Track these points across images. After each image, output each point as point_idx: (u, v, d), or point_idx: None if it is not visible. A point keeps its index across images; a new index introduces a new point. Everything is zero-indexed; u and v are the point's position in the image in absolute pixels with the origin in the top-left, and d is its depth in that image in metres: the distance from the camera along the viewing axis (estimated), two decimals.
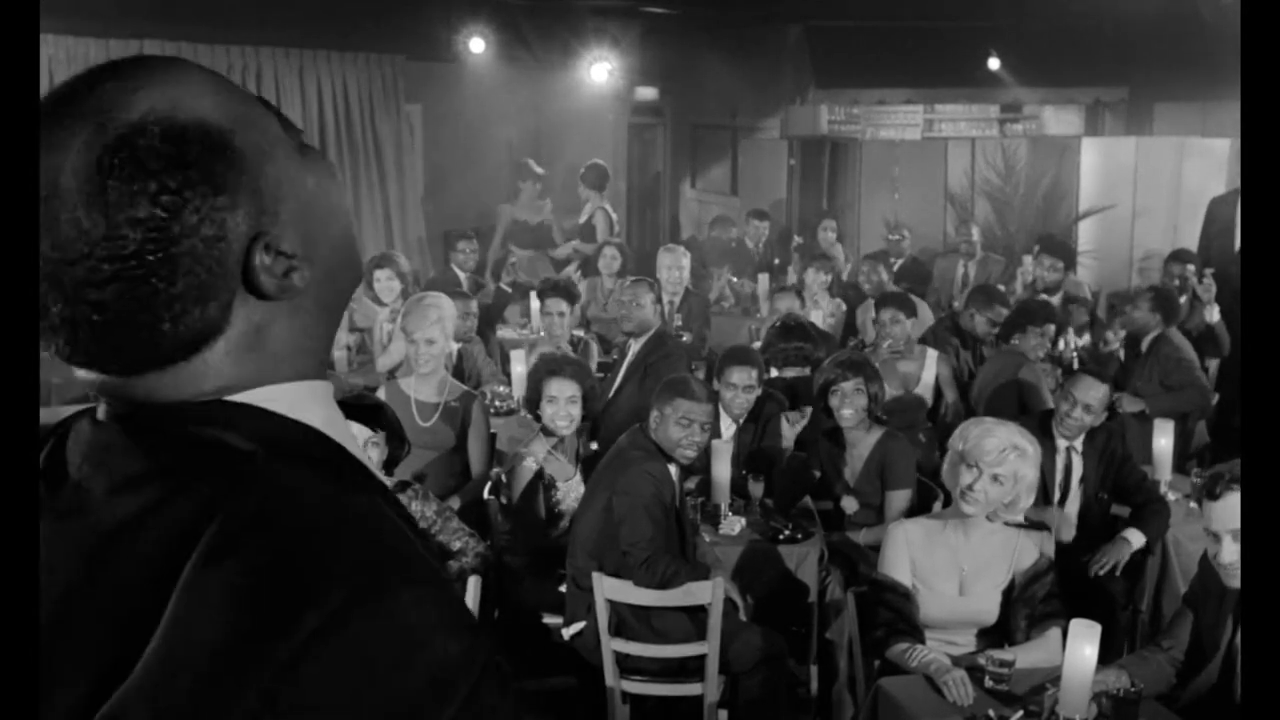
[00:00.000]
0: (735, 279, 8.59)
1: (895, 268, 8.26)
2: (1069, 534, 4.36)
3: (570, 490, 4.33)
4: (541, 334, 6.44)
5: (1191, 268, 6.81)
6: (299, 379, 0.87)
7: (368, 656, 0.72)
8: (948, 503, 3.70)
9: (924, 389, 5.79)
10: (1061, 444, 4.47)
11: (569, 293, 6.47)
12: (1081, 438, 4.46)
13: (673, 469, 3.94)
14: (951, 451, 3.41)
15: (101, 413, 0.87)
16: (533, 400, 4.44)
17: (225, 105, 0.82)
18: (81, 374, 0.85)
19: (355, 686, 0.72)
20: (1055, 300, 6.80)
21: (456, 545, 3.59)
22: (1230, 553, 2.83)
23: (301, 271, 0.84)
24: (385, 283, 6.56)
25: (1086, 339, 6.56)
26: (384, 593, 0.74)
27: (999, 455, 3.27)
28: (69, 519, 0.82)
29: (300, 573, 0.74)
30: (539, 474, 4.31)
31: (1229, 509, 2.82)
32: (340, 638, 0.72)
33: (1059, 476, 4.47)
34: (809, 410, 4.77)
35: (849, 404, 4.46)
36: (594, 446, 4.97)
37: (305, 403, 0.87)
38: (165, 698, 0.71)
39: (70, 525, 0.81)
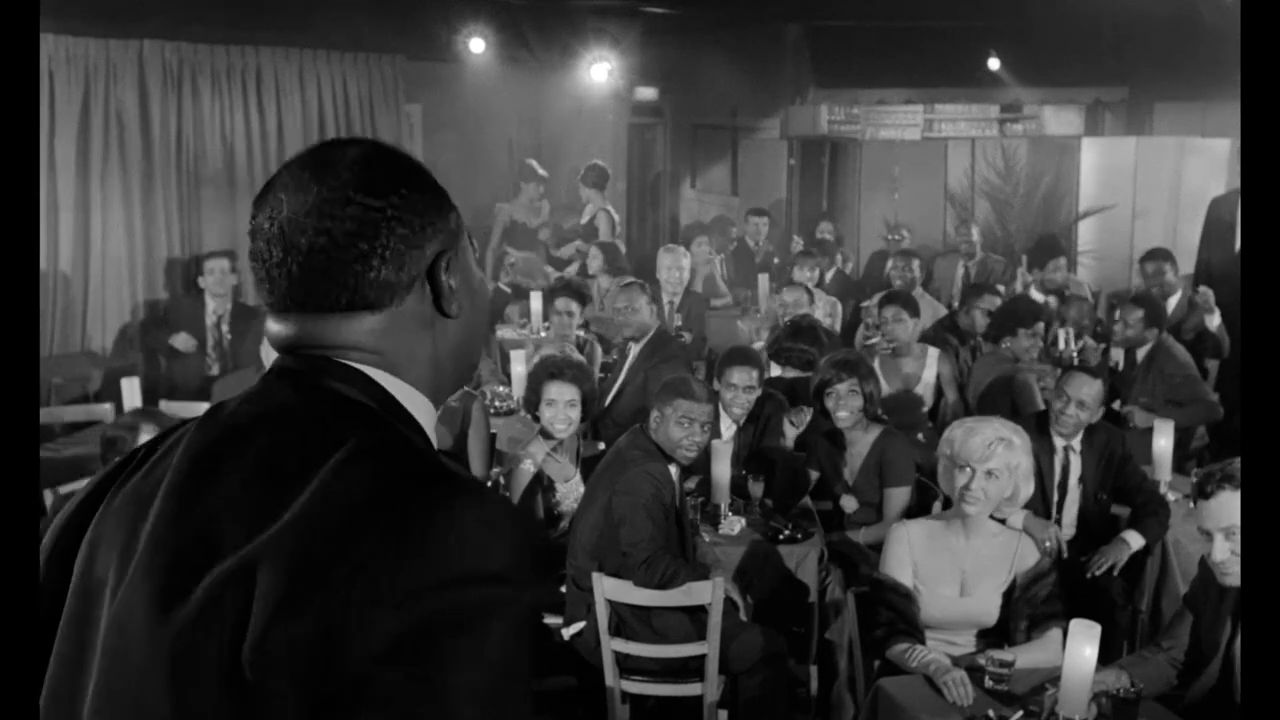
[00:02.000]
0: (718, 253, 8.59)
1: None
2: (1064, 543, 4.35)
3: (570, 492, 4.33)
4: (545, 333, 6.45)
5: (1168, 265, 6.80)
6: (416, 388, 1.15)
7: (439, 537, 0.96)
8: (948, 503, 3.70)
9: (924, 388, 5.80)
10: (1059, 443, 4.46)
11: (579, 292, 6.47)
12: (1079, 437, 4.46)
13: (673, 469, 3.94)
14: (941, 457, 3.42)
15: (269, 371, 1.14)
16: (532, 402, 4.43)
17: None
18: (272, 326, 1.13)
19: (448, 550, 0.95)
20: (1060, 303, 6.80)
21: None
22: (1222, 550, 2.83)
23: (458, 305, 1.15)
24: None
25: (1086, 339, 6.55)
26: (454, 498, 0.99)
27: (987, 450, 3.28)
28: (232, 436, 1.07)
29: (410, 476, 1.01)
30: (537, 476, 4.31)
31: (1222, 507, 2.82)
32: (421, 523, 0.96)
33: (1057, 476, 4.46)
34: (810, 409, 4.77)
35: (844, 405, 4.47)
36: (600, 446, 4.97)
37: (414, 402, 1.14)
38: (306, 541, 0.95)
39: (230, 437, 1.07)
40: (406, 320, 1.12)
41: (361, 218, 1.08)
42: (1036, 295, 7.04)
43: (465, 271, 1.17)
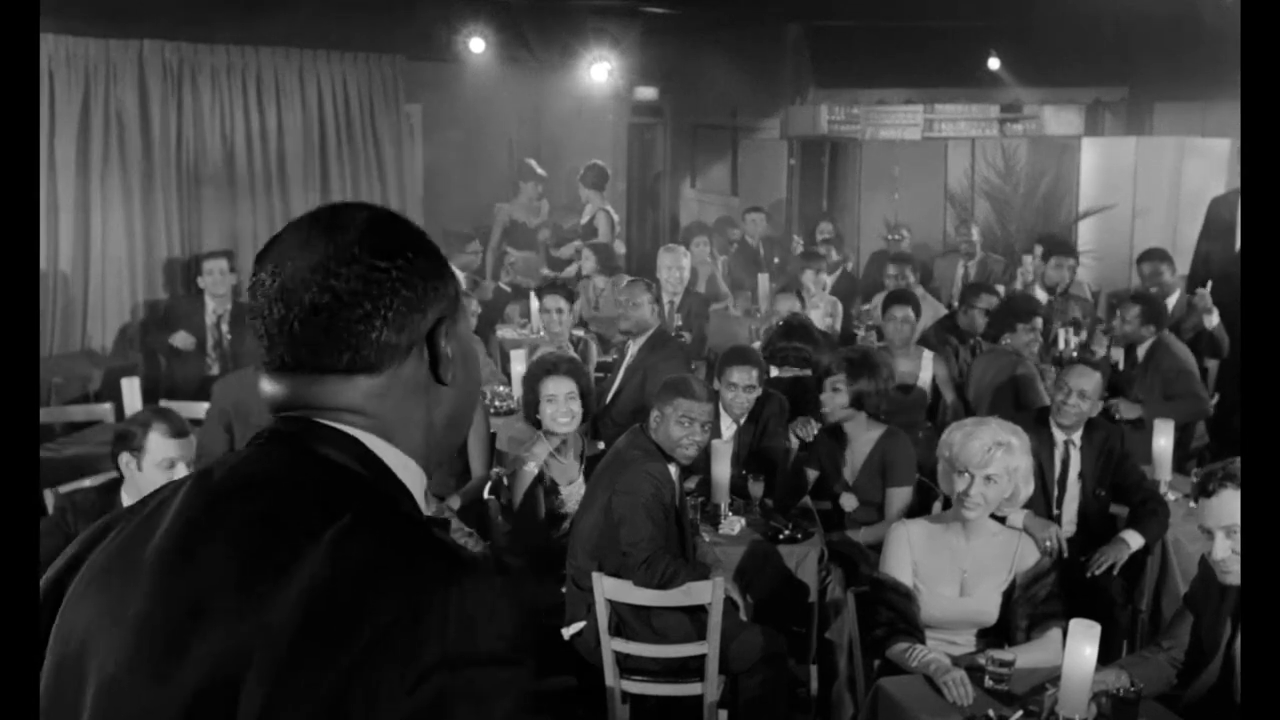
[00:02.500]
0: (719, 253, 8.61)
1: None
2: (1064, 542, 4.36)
3: (573, 494, 4.33)
4: (541, 333, 6.45)
5: (1165, 266, 6.81)
6: (408, 452, 1.14)
7: (448, 615, 0.94)
8: (948, 503, 3.70)
9: (920, 388, 5.81)
10: (1060, 437, 4.48)
11: (567, 290, 6.47)
12: (1080, 431, 4.47)
13: (672, 469, 3.94)
14: (941, 460, 3.42)
15: (259, 435, 1.12)
16: (531, 404, 4.41)
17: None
18: (267, 387, 1.12)
19: (456, 629, 0.94)
20: (1058, 297, 6.81)
21: None
22: (1223, 549, 2.83)
23: (452, 374, 1.15)
24: None
25: (1084, 337, 6.56)
26: (462, 575, 0.98)
27: (985, 456, 3.28)
28: (224, 501, 1.05)
29: (411, 553, 0.99)
30: (539, 478, 4.30)
31: (1223, 506, 2.82)
32: (432, 599, 0.95)
33: (1057, 470, 4.48)
34: (816, 423, 4.76)
35: (829, 399, 4.49)
36: (600, 446, 4.97)
37: (407, 470, 1.13)
38: (310, 620, 0.93)
39: (222, 504, 1.05)
40: (403, 385, 1.11)
41: (367, 277, 1.07)
42: (1040, 293, 7.04)
43: (462, 339, 1.17)
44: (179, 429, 3.54)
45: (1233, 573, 2.83)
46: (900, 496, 4.42)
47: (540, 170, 9.17)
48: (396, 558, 0.97)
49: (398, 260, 1.10)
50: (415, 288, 1.10)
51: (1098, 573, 4.11)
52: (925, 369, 5.82)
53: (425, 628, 0.93)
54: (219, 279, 6.60)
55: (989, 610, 3.35)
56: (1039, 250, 7.74)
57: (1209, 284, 6.39)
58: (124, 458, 3.48)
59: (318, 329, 1.07)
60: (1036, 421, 4.48)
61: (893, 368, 4.73)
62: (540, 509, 4.29)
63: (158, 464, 3.45)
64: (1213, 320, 6.29)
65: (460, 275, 7.74)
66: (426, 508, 1.17)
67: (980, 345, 6.23)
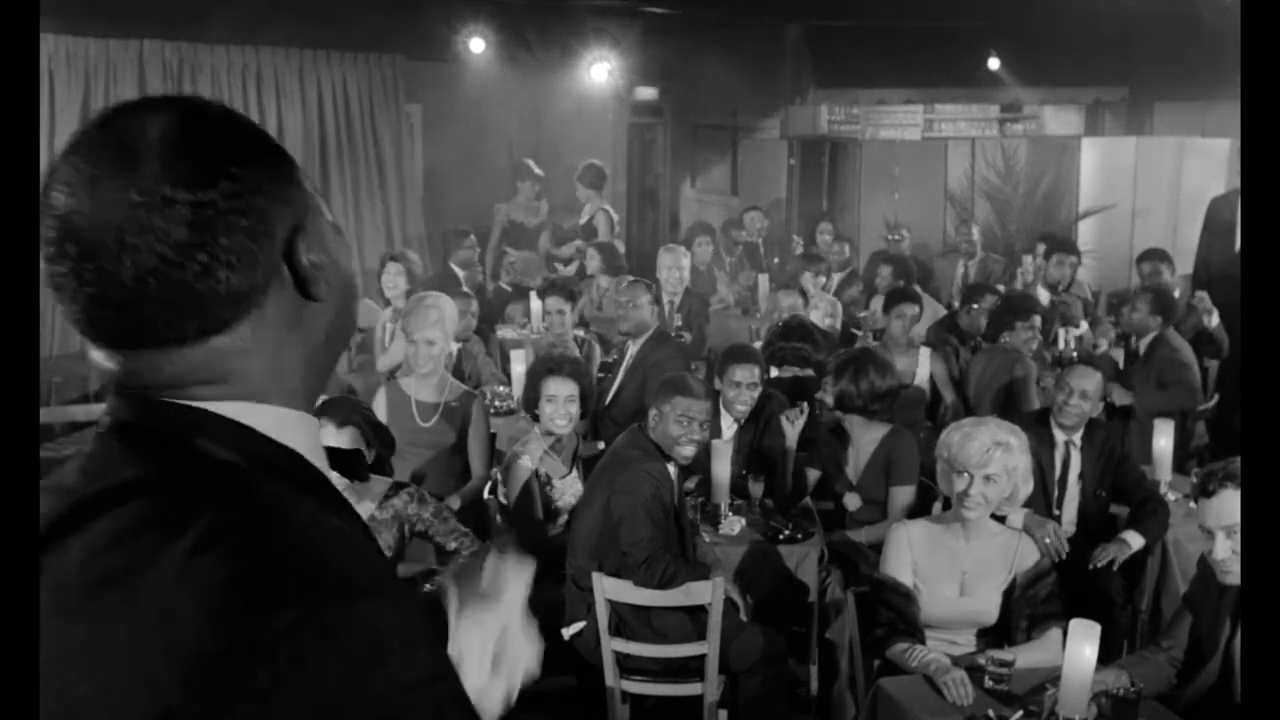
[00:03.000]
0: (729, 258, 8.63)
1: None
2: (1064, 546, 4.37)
3: (566, 488, 4.34)
4: (542, 333, 6.44)
5: (1164, 266, 6.84)
6: (288, 406, 0.94)
7: (327, 660, 0.79)
8: (948, 503, 3.70)
9: (917, 387, 5.81)
10: (1060, 437, 4.48)
11: (569, 291, 6.47)
12: (1080, 432, 4.48)
13: (671, 468, 3.93)
14: (939, 460, 3.43)
15: (102, 423, 0.92)
16: (531, 400, 4.43)
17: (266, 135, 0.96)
18: (98, 358, 0.89)
19: (314, 687, 0.78)
20: (1065, 297, 6.81)
21: (452, 545, 3.60)
22: (1223, 549, 2.83)
23: (327, 283, 0.94)
24: (393, 277, 6.53)
25: (1084, 329, 6.57)
26: (349, 603, 0.82)
27: (984, 456, 3.28)
28: (67, 526, 0.86)
29: (273, 575, 0.81)
30: (535, 473, 4.31)
31: (1223, 506, 2.82)
32: (304, 639, 0.78)
33: (1058, 470, 4.48)
34: (806, 407, 4.77)
35: (823, 396, 4.53)
36: (599, 446, 4.97)
37: (290, 427, 0.94)
38: (152, 667, 0.78)
39: (70, 532, 0.85)
40: (269, 327, 0.91)
41: (192, 220, 0.84)
42: (1041, 292, 7.05)
43: (323, 238, 0.95)
44: None
45: (1232, 573, 2.83)
46: (903, 495, 4.42)
47: (538, 170, 9.16)
48: (250, 592, 0.78)
49: (222, 184, 0.85)
50: (254, 211, 0.87)
51: (1099, 565, 4.11)
52: (923, 366, 5.83)
53: (315, 669, 0.78)
54: None
55: (989, 610, 3.35)
56: (1040, 249, 7.75)
57: (1207, 289, 6.43)
58: None
59: (150, 301, 0.85)
60: (1037, 422, 4.49)
61: (893, 368, 4.72)
62: (537, 503, 4.30)
63: None
64: (1213, 321, 6.31)
65: (460, 273, 7.77)
66: (321, 456, 0.98)
67: (980, 346, 6.23)
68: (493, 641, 1.42)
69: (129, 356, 0.88)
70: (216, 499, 0.85)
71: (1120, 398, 5.50)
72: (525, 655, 1.49)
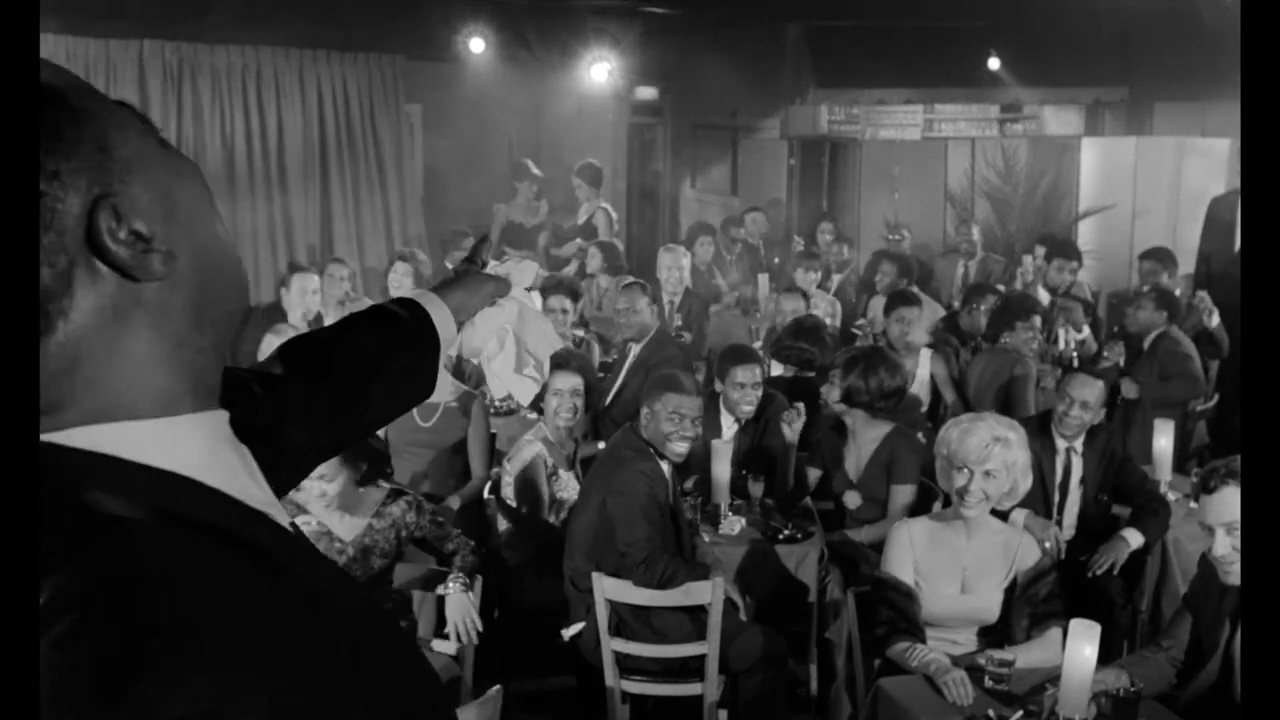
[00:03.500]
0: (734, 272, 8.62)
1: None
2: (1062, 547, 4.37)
3: (569, 482, 4.36)
4: None
5: (1163, 266, 6.86)
6: (165, 412, 0.76)
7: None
8: (948, 502, 3.70)
9: (919, 386, 5.81)
10: (1061, 444, 4.47)
11: (572, 290, 6.47)
12: (1081, 438, 4.47)
13: (666, 466, 3.93)
14: (939, 457, 3.43)
15: None
16: (536, 394, 4.45)
17: (60, 74, 0.75)
18: None
19: None
20: (1067, 302, 6.81)
21: (450, 548, 3.60)
22: (1223, 545, 2.83)
23: (164, 256, 0.74)
24: (400, 276, 6.55)
25: (1087, 333, 6.57)
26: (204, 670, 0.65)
27: (984, 452, 3.28)
28: None
29: (120, 661, 0.63)
30: (544, 460, 4.34)
31: (1223, 503, 2.82)
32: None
33: (1059, 477, 4.47)
34: (803, 409, 4.77)
35: (827, 391, 4.55)
36: (599, 445, 4.97)
37: (161, 442, 0.75)
38: None
39: None
40: (94, 326, 0.72)
41: None
42: (1042, 293, 7.06)
43: (156, 191, 0.75)
44: None
45: (1232, 571, 2.84)
46: (904, 494, 4.42)
47: (536, 170, 9.17)
48: (77, 676, 0.63)
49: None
50: (47, 198, 0.69)
51: (1098, 573, 4.11)
52: (923, 366, 5.83)
53: None
54: None
55: (990, 608, 3.35)
56: (1040, 250, 7.76)
57: (1208, 289, 6.44)
58: None
59: None
60: (1039, 428, 4.48)
61: (902, 368, 4.72)
62: (542, 485, 4.31)
63: None
64: (1213, 321, 6.31)
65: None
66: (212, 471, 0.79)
67: (980, 347, 6.24)
68: (511, 322, 1.50)
69: None
70: (64, 567, 0.67)
71: (1129, 390, 5.53)
72: (548, 329, 1.57)
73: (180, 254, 0.76)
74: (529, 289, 1.56)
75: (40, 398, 0.71)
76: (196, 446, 0.77)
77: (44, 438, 0.73)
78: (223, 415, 0.82)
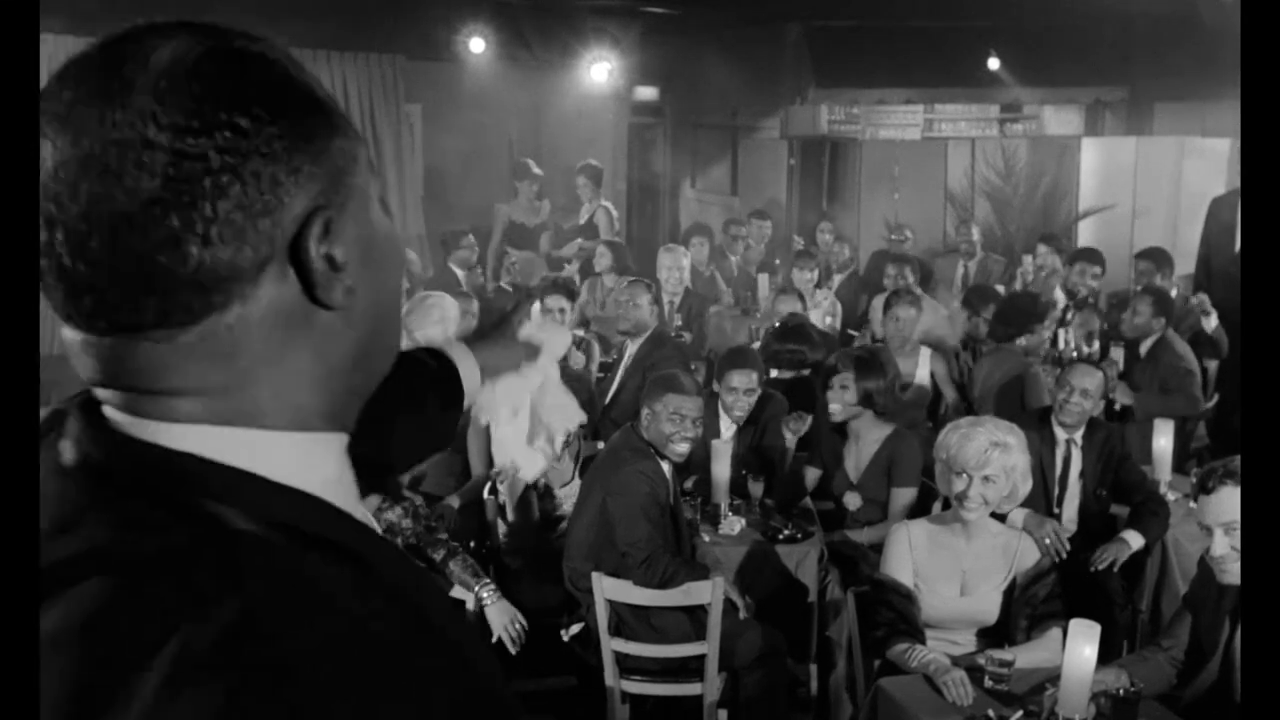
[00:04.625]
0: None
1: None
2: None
3: (569, 496, 4.34)
4: None
5: (1158, 267, 6.85)
6: (299, 428, 0.74)
7: None
8: (948, 503, 3.70)
9: (918, 386, 5.81)
10: (1061, 436, 4.49)
11: (569, 290, 6.47)
12: (1081, 431, 4.48)
13: (666, 466, 3.93)
14: (938, 461, 3.43)
15: (68, 453, 0.73)
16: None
17: (321, 86, 0.76)
18: (72, 351, 0.72)
19: None
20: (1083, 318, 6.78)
21: (440, 555, 3.62)
22: (1221, 545, 2.83)
23: (347, 289, 0.73)
24: None
25: (1095, 346, 6.55)
26: None
27: (982, 456, 3.28)
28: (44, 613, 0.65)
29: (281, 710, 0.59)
30: (533, 485, 4.32)
31: (1222, 502, 2.82)
32: None
33: (1058, 469, 4.49)
34: (809, 417, 4.75)
35: (836, 397, 4.48)
36: (599, 445, 4.97)
37: (299, 465, 0.73)
38: None
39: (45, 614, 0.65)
40: (265, 323, 0.71)
41: (169, 173, 0.66)
42: (1059, 294, 7.04)
43: (358, 232, 0.75)
44: None
45: (1230, 571, 2.84)
46: (904, 496, 4.42)
47: (537, 170, 9.17)
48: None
49: (219, 134, 0.67)
50: (257, 176, 0.68)
51: (1099, 568, 4.11)
52: (923, 366, 5.82)
53: None
54: None
55: (990, 609, 3.35)
56: (1041, 250, 7.74)
57: (1208, 289, 6.43)
58: None
59: (100, 265, 0.67)
60: (1039, 420, 4.50)
61: (898, 367, 4.73)
62: (534, 512, 4.30)
63: None
64: (1211, 323, 6.30)
65: (460, 274, 7.76)
66: (353, 499, 0.79)
67: (979, 348, 6.22)
68: (531, 391, 1.42)
69: (98, 345, 0.70)
70: (190, 605, 0.61)
71: (1123, 396, 5.51)
72: (569, 403, 1.48)
73: (361, 296, 0.75)
74: (560, 359, 1.50)
75: (176, 375, 0.70)
76: (330, 466, 0.76)
77: (153, 435, 0.70)
78: (345, 439, 0.80)
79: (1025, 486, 3.40)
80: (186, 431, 0.70)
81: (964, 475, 3.30)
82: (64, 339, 0.72)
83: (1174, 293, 6.76)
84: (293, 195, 0.70)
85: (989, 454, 3.28)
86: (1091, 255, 7.32)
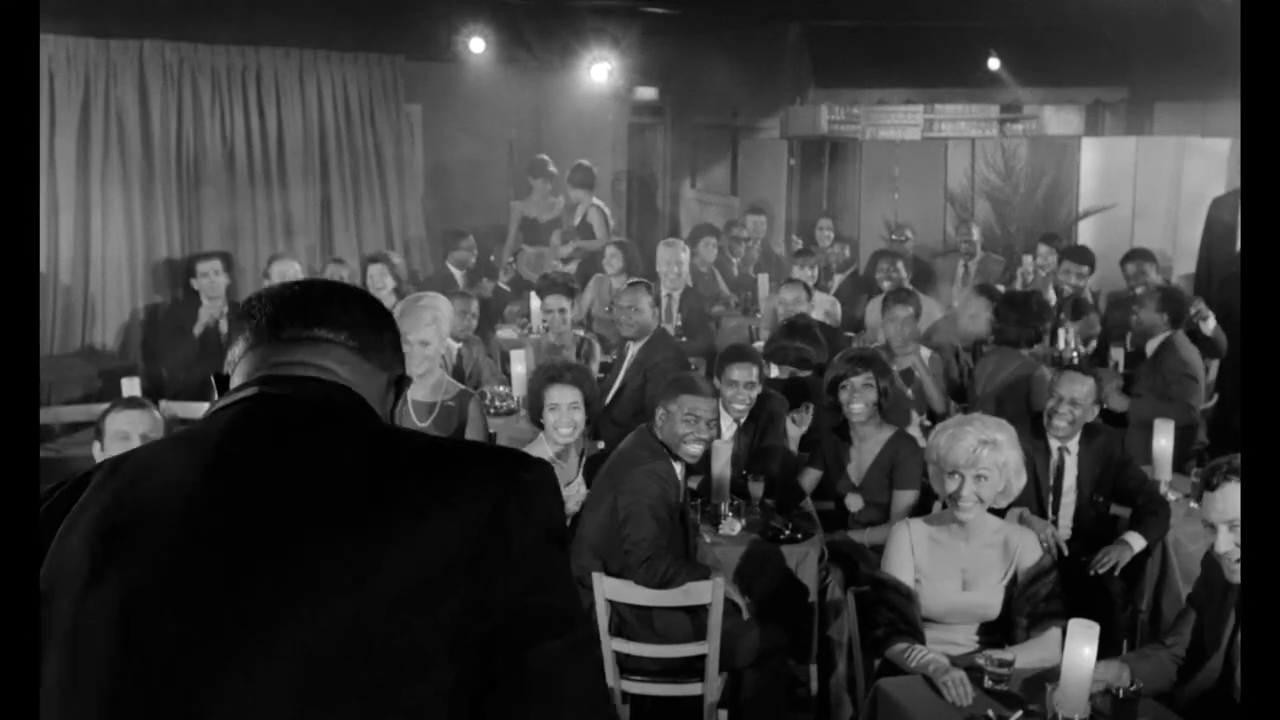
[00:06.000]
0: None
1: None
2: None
3: (571, 495, 4.33)
4: (542, 332, 6.44)
5: (1149, 265, 6.85)
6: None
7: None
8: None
9: (918, 386, 5.80)
10: (1054, 445, 4.45)
11: (568, 289, 6.47)
12: (1076, 439, 4.45)
13: (678, 467, 3.94)
14: (929, 463, 3.43)
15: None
16: (535, 409, 4.43)
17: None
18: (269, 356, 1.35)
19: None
20: (1084, 324, 6.78)
21: None
22: (1226, 542, 2.83)
23: (389, 400, 1.49)
24: (378, 278, 6.76)
25: (1093, 347, 6.54)
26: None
27: (972, 456, 3.29)
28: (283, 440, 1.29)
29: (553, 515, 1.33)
30: None
31: (1226, 499, 2.82)
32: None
33: (1052, 477, 4.45)
34: (812, 407, 4.76)
35: (859, 398, 4.48)
36: (600, 445, 4.97)
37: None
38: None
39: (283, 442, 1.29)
40: (372, 374, 1.45)
41: (386, 333, 1.55)
42: (1051, 294, 7.04)
43: (398, 399, 1.54)
44: (134, 403, 3.66)
45: (1236, 568, 2.84)
46: (905, 499, 4.42)
47: (552, 167, 9.20)
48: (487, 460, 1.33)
49: (390, 322, 1.51)
50: (390, 346, 1.48)
51: (1100, 571, 4.11)
52: (921, 366, 5.81)
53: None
54: (213, 280, 6.56)
55: (991, 604, 3.35)
56: (1042, 249, 7.74)
57: (1208, 290, 6.41)
58: (95, 446, 3.63)
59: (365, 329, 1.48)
60: (1032, 429, 4.46)
61: (892, 369, 4.76)
62: None
63: (112, 437, 3.57)
64: (1209, 326, 6.29)
65: (456, 273, 7.81)
66: None
67: (980, 347, 6.21)
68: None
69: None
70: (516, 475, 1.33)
71: (1117, 402, 5.44)
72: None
73: (385, 408, 1.48)
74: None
75: (344, 366, 1.40)
76: None
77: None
78: None
79: (1019, 481, 3.40)
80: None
81: (956, 475, 3.30)
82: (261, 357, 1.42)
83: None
84: (394, 363, 1.50)
85: (979, 452, 3.29)
86: (1079, 254, 7.31)
